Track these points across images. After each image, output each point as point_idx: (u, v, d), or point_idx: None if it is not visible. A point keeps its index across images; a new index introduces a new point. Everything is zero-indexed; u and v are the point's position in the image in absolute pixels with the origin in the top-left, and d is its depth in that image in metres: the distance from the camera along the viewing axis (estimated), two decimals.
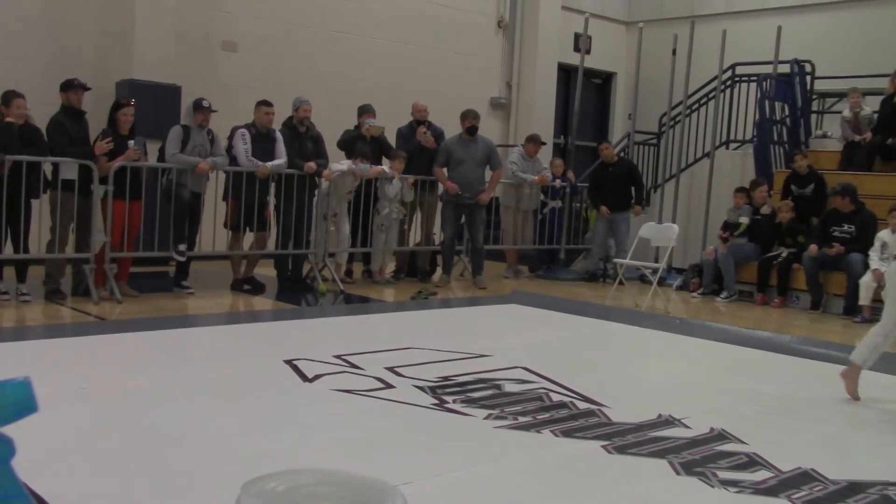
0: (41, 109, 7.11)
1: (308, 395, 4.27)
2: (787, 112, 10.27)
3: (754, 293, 8.89)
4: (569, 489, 3.17)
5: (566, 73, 13.02)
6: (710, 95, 10.94)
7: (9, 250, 6.62)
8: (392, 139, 9.06)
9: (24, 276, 6.72)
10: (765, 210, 8.99)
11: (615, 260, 9.29)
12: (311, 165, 7.85)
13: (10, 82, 6.97)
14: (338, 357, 5.01)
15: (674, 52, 10.84)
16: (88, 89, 7.03)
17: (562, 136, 13.37)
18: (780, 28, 10.50)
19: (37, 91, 7.53)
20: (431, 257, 9.34)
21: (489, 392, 4.43)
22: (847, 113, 9.58)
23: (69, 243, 6.90)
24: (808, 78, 10.48)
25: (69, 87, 6.83)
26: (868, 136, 9.30)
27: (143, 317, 6.30)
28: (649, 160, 11.87)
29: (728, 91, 10.86)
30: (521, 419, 3.95)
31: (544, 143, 10.23)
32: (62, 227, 6.77)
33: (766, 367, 5.70)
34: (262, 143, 7.69)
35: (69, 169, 6.68)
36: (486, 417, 3.97)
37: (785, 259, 8.63)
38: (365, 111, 8.79)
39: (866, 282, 7.83)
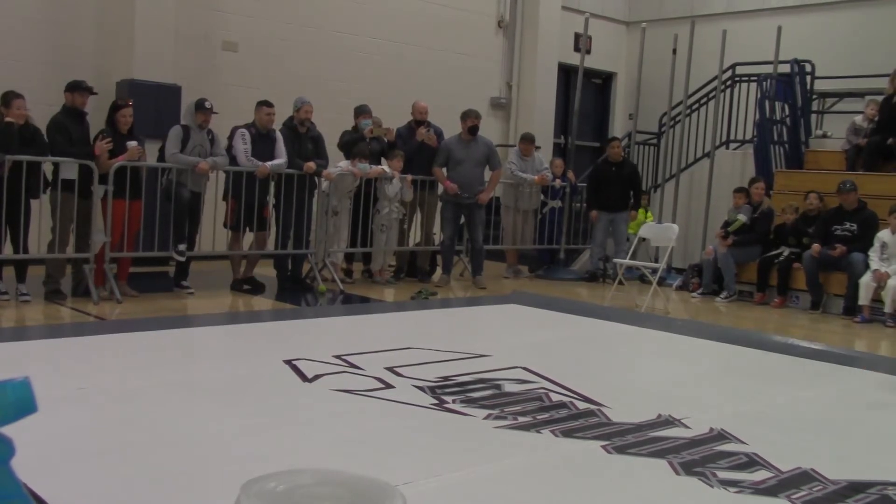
0: (41, 109, 7.11)
1: (308, 395, 4.26)
2: (787, 112, 10.27)
3: (754, 293, 8.89)
4: (569, 489, 3.17)
5: (566, 73, 13.02)
6: (711, 95, 10.95)
7: (9, 250, 6.62)
8: None
9: (23, 277, 6.72)
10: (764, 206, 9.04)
11: (615, 260, 9.29)
12: (311, 165, 7.85)
13: (10, 82, 6.96)
14: (338, 357, 5.01)
15: (674, 52, 10.84)
16: (95, 93, 7.03)
17: (562, 136, 13.38)
18: (780, 28, 10.51)
19: (37, 91, 7.53)
20: (431, 257, 9.34)
21: (489, 392, 4.43)
22: (860, 120, 9.54)
23: (69, 243, 6.90)
24: (808, 78, 10.48)
25: (76, 88, 6.82)
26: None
27: (143, 317, 6.30)
28: (649, 160, 11.88)
29: (728, 91, 10.87)
30: (521, 419, 3.95)
31: (538, 148, 10.18)
32: (62, 227, 6.77)
33: (766, 367, 5.70)
34: (262, 143, 7.69)
35: (69, 169, 6.68)
36: (486, 417, 3.97)
37: (785, 259, 8.63)
38: (361, 112, 8.79)
39: (866, 282, 7.84)
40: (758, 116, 10.08)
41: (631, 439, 3.72)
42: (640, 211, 10.12)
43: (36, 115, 6.86)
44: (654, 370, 5.58)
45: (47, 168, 6.74)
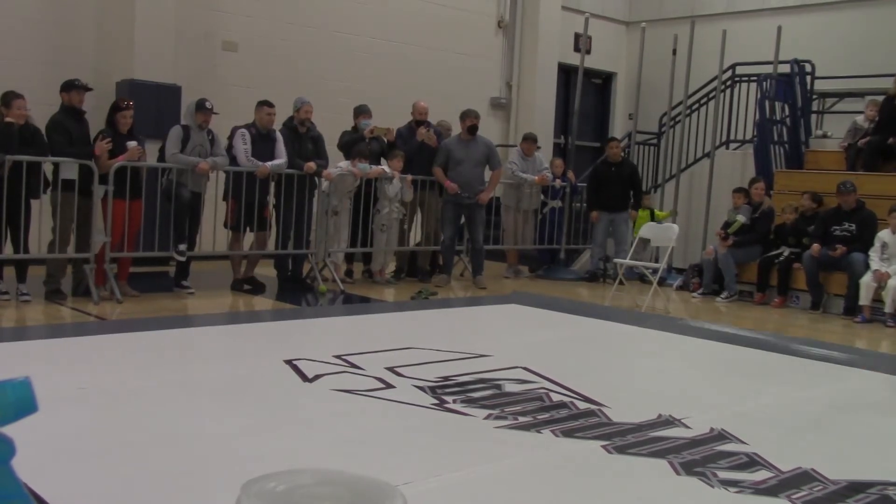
0: (41, 109, 7.10)
1: (308, 395, 4.26)
2: (787, 112, 10.27)
3: (754, 293, 8.89)
4: (569, 489, 3.17)
5: (566, 73, 13.02)
6: (711, 95, 10.95)
7: (9, 250, 6.62)
8: None
9: (24, 276, 6.72)
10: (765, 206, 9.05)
11: (615, 260, 9.30)
12: (311, 165, 7.85)
13: (10, 82, 6.96)
14: (338, 357, 5.01)
15: (674, 52, 10.85)
16: (90, 90, 7.04)
17: (562, 136, 13.38)
18: (780, 28, 10.51)
19: (37, 91, 7.52)
20: (431, 257, 9.34)
21: (489, 392, 4.43)
22: (860, 120, 9.54)
23: (70, 243, 6.90)
24: (808, 78, 10.49)
25: (71, 87, 6.83)
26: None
27: (143, 317, 6.30)
28: (649, 160, 11.88)
29: (728, 91, 10.87)
30: (521, 419, 3.95)
31: (538, 148, 10.18)
32: (63, 227, 6.77)
33: (766, 367, 5.70)
34: (263, 143, 7.70)
35: (69, 169, 6.68)
36: (486, 417, 3.97)
37: (785, 259, 8.64)
38: (361, 112, 8.80)
39: (867, 281, 7.84)
40: (758, 116, 10.08)
41: (631, 439, 3.72)
42: (645, 212, 10.09)
43: (36, 116, 6.86)
44: (654, 370, 5.57)
45: (47, 168, 6.73)
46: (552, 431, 3.78)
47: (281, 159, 7.73)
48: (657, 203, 11.00)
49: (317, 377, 4.54)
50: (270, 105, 7.77)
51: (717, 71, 10.62)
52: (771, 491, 3.19)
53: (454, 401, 4.22)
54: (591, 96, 13.79)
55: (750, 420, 4.18)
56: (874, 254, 7.97)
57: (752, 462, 3.50)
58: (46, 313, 6.39)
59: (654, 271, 8.63)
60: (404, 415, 3.98)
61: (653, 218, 9.93)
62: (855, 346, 6.80)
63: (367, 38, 10.88)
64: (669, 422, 4.02)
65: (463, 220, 9.11)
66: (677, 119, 10.99)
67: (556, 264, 10.41)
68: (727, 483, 3.24)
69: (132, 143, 6.88)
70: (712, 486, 3.21)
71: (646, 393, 4.71)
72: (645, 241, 9.37)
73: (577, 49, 12.20)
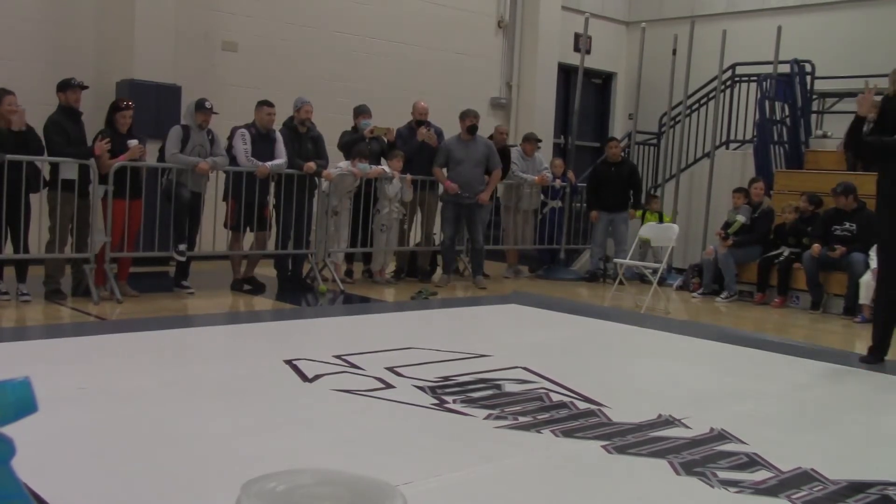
0: (40, 109, 7.10)
1: (308, 395, 4.26)
2: (787, 112, 10.27)
3: (754, 293, 8.90)
4: (569, 489, 3.17)
5: (566, 73, 13.02)
6: (711, 95, 10.95)
7: (9, 250, 6.61)
8: None
9: (24, 276, 6.72)
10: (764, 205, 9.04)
11: (615, 260, 9.30)
12: (311, 165, 7.85)
13: (10, 82, 6.94)
14: (338, 357, 5.01)
15: (674, 52, 10.84)
16: (86, 88, 7.03)
17: (562, 136, 13.38)
18: (780, 28, 10.51)
19: (36, 91, 7.53)
20: (431, 257, 9.34)
21: (489, 392, 4.43)
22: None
23: (68, 243, 6.90)
24: (808, 78, 10.49)
25: (67, 86, 6.82)
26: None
27: (143, 317, 6.30)
28: (649, 160, 11.88)
29: (728, 91, 10.87)
30: (521, 419, 3.95)
31: (540, 141, 10.18)
32: (61, 227, 6.76)
33: (766, 367, 5.70)
34: (263, 143, 7.70)
35: (69, 169, 6.68)
36: (486, 417, 3.97)
37: (785, 259, 8.64)
38: (361, 112, 8.80)
39: (867, 281, 7.84)
40: (758, 116, 10.08)
41: (631, 439, 3.72)
42: (653, 215, 10.07)
43: (35, 116, 6.84)
44: (654, 370, 5.57)
45: (45, 168, 6.72)
46: (552, 431, 3.78)
47: (281, 159, 7.73)
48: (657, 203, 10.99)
49: (317, 377, 4.54)
50: (270, 105, 7.77)
51: (717, 71, 10.62)
52: (771, 491, 3.19)
53: (454, 401, 4.22)
54: (591, 96, 13.79)
55: (750, 420, 4.18)
56: (875, 253, 7.96)
57: (752, 462, 3.50)
58: (46, 313, 6.39)
59: (654, 271, 8.63)
60: (404, 415, 3.98)
61: (661, 222, 9.90)
62: (855, 347, 6.80)
63: (367, 38, 10.88)
64: (669, 422, 4.02)
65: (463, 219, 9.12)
66: (677, 119, 10.99)
67: (556, 264, 10.41)
68: (727, 483, 3.24)
69: (133, 142, 6.88)
70: (712, 486, 3.21)
71: (646, 393, 4.71)
72: (645, 242, 9.37)
73: (577, 49, 12.20)
